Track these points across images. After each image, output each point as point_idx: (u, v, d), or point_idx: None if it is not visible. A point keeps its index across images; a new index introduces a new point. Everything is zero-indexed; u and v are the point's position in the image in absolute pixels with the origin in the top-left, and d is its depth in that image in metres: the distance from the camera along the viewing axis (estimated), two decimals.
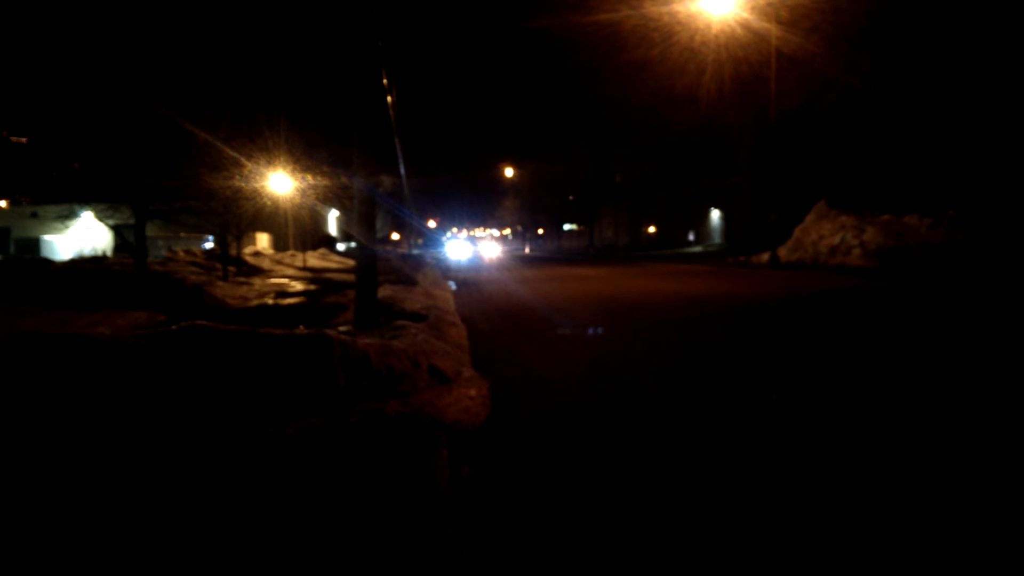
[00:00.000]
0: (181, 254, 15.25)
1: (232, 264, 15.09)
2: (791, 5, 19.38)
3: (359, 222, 8.01)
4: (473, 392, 4.66)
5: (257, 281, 13.33)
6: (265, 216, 27.03)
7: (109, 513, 2.57)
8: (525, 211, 74.13)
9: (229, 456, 3.17)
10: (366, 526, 2.53)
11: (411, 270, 14.91)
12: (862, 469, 3.05)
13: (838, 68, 21.29)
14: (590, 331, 7.83)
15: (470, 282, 16.69)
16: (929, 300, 10.18)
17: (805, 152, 23.81)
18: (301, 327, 7.18)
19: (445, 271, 19.73)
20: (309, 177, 24.64)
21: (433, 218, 54.99)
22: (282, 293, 11.79)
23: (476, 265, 27.39)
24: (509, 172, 63.56)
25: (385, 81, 12.30)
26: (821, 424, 3.79)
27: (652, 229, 52.87)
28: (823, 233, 20.86)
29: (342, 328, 6.96)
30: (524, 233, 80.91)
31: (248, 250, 20.41)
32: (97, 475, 2.92)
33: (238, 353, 3.96)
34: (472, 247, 48.84)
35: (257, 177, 22.81)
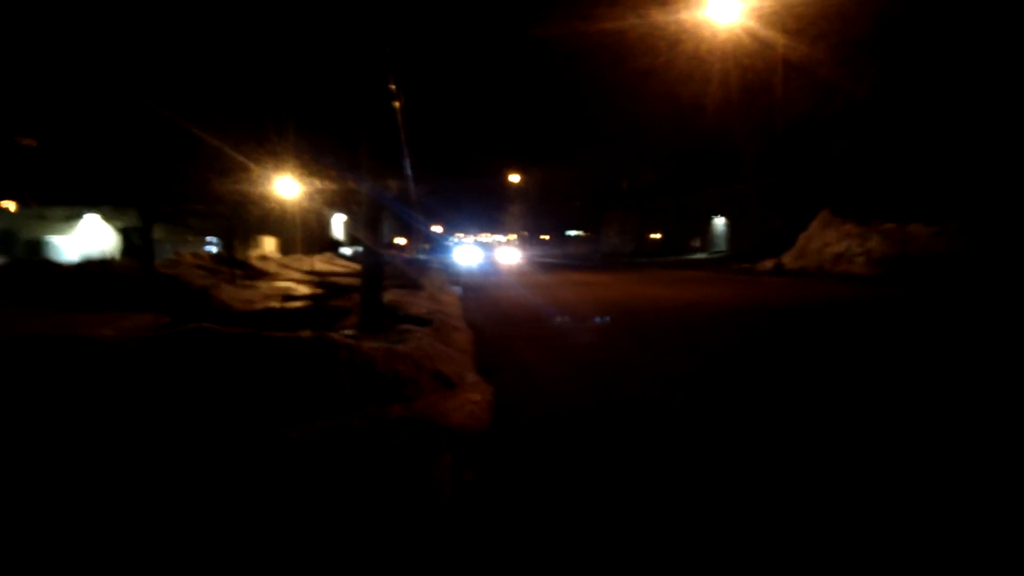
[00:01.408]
0: (188, 257, 15.32)
1: (238, 267, 15.15)
2: (797, 14, 19.42)
3: (366, 227, 8.04)
4: (477, 397, 4.67)
5: (263, 284, 13.38)
6: (272, 220, 27.11)
7: (112, 513, 2.60)
8: (531, 217, 74.23)
9: (231, 458, 3.20)
10: (367, 530, 2.55)
11: (417, 275, 14.94)
12: (846, 477, 3.06)
13: (843, 76, 21.31)
14: (595, 336, 7.84)
15: (475, 287, 16.73)
16: (931, 309, 10.15)
17: (811, 160, 23.81)
18: (307, 331, 7.22)
19: (452, 277, 19.72)
20: (316, 182, 24.72)
21: (439, 223, 54.60)
22: (288, 296, 11.83)
23: (487, 272, 26.12)
24: (516, 178, 63.63)
25: (393, 87, 12.36)
26: (809, 428, 3.79)
27: (658, 235, 52.84)
28: (828, 241, 20.82)
29: (347, 332, 6.99)
30: (529, 239, 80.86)
31: (255, 253, 20.50)
32: (100, 475, 2.94)
33: (242, 355, 3.99)
34: (483, 252, 45.58)
35: (264, 181, 22.89)
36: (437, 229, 54.80)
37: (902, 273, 17.24)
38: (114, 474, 2.96)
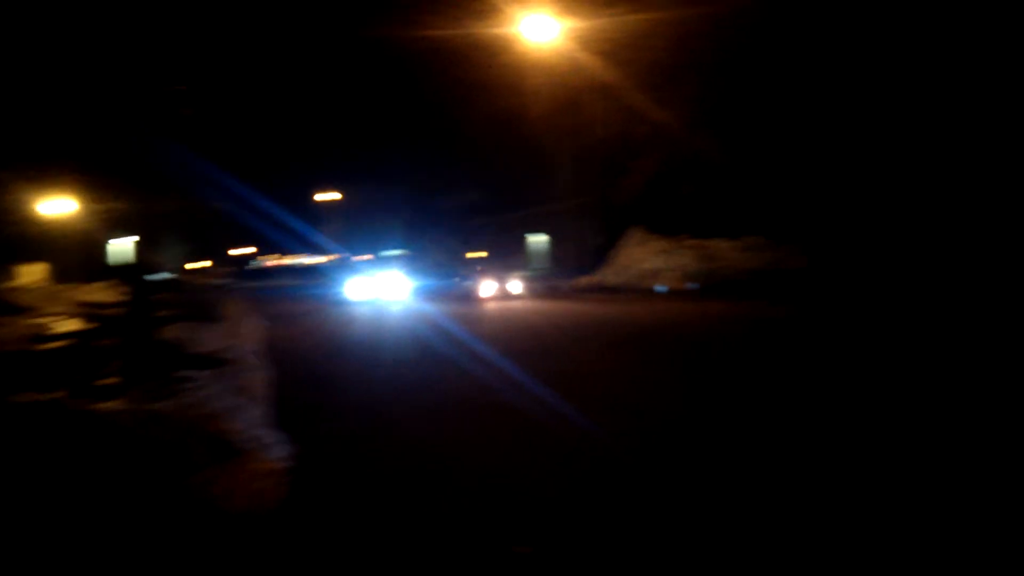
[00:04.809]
0: None
1: None
2: (607, 38, 19.94)
3: (145, 247, 6.65)
4: (270, 466, 3.62)
5: (15, 321, 11.02)
6: (37, 244, 23.37)
7: None
8: (350, 235, 71.55)
9: None
10: None
11: (216, 303, 13.18)
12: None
13: (652, 100, 22.25)
14: (413, 373, 6.98)
15: (286, 316, 15.18)
16: (743, 322, 10.57)
17: (625, 179, 24.68)
18: (62, 391, 5.66)
19: (259, 305, 17.67)
20: (99, 198, 21.78)
21: (249, 244, 49.56)
22: (44, 337, 9.74)
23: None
24: (328, 196, 60.97)
25: (185, 88, 10.84)
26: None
27: (480, 254, 53.01)
28: (643, 257, 21.60)
29: (111, 381, 5.56)
30: (346, 259, 77.87)
31: (13, 283, 17.37)
32: None
33: None
34: (411, 281, 20.47)
35: (22, 200, 19.67)
36: (249, 249, 50.39)
37: (711, 285, 18.14)
38: None
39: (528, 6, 14.84)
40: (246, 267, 46.54)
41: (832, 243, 17.59)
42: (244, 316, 11.87)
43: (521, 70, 21.80)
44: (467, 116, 25.86)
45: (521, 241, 45.41)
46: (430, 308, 14.88)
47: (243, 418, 4.37)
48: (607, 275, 21.55)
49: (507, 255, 47.06)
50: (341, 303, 17.23)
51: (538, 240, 43.41)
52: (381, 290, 18.44)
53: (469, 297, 18.33)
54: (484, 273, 21.05)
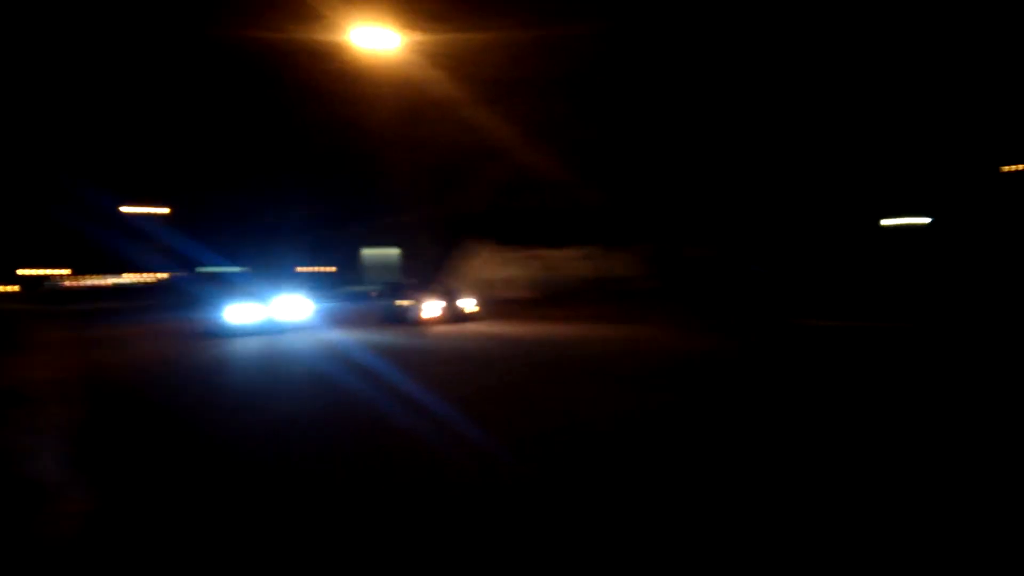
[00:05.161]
0: None
1: None
2: (448, 53, 20.05)
3: None
4: (71, 508, 3.25)
5: None
6: None
7: None
8: (180, 252, 66.57)
9: None
10: None
11: (12, 330, 11.73)
12: None
13: (493, 115, 22.61)
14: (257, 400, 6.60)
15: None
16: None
17: (471, 192, 24.93)
18: None
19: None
20: None
21: (46, 263, 43.44)
22: None
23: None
24: (149, 208, 56.36)
25: None
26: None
27: (322, 268, 51.36)
28: (489, 268, 21.95)
29: None
30: (183, 277, 72.47)
31: None
32: None
33: None
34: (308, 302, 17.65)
35: None
36: (57, 270, 45.16)
37: (556, 292, 18.78)
38: None
39: (368, 16, 14.63)
40: (44, 288, 41.32)
41: (667, 250, 18.82)
42: (48, 345, 10.64)
43: (361, 80, 21.41)
44: (305, 125, 24.99)
45: (366, 254, 44.44)
46: (339, 335, 12.82)
47: (44, 459, 3.89)
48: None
49: (350, 269, 45.99)
50: (205, 330, 14.71)
51: (385, 253, 42.73)
52: (273, 313, 15.36)
53: (401, 319, 15.15)
54: (425, 290, 16.67)
